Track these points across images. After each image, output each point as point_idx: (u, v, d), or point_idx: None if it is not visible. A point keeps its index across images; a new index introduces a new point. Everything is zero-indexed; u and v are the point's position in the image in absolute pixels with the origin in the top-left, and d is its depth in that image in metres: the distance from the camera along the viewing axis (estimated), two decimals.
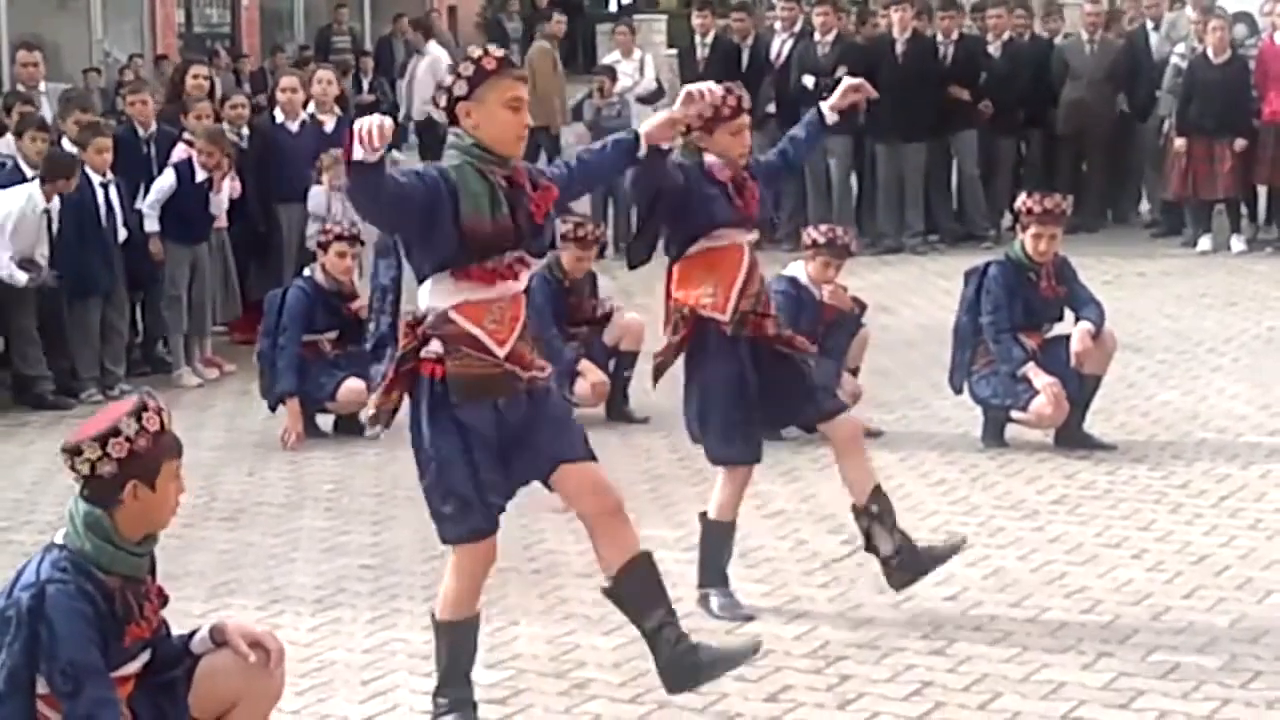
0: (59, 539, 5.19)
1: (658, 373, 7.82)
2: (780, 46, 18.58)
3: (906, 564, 7.59)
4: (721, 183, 7.46)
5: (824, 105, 7.79)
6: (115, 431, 5.10)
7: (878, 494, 7.63)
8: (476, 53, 6.23)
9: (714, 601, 7.62)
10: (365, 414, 10.74)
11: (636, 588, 6.30)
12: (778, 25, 19.01)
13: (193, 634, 5.43)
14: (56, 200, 12.50)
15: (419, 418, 6.17)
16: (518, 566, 8.26)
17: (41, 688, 5.07)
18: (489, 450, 6.12)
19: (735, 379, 7.48)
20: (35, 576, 5.08)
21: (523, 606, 7.74)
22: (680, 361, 7.60)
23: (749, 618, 7.51)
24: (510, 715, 6.59)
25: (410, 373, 6.17)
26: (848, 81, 7.93)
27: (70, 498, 5.24)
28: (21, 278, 12.38)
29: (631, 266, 7.69)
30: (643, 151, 6.42)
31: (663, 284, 7.62)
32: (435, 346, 6.08)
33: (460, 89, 6.10)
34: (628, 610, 6.37)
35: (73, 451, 5.12)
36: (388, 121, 5.66)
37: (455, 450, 6.09)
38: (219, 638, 5.38)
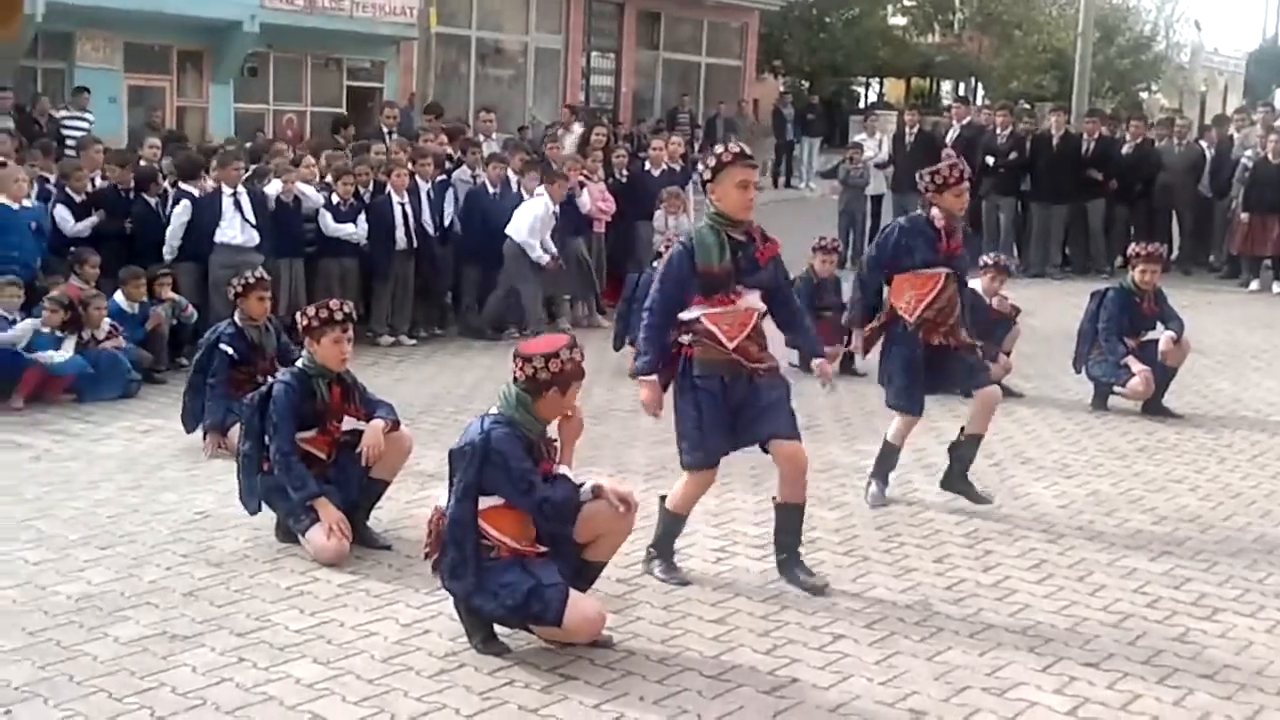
0: (492, 410, 5.39)
1: (866, 346, 7.65)
2: (955, 134, 18.37)
3: (951, 480, 7.60)
4: (937, 229, 7.30)
5: None
6: (556, 355, 5.32)
7: (974, 438, 7.53)
8: (720, 148, 6.20)
9: (873, 488, 7.61)
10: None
11: (788, 518, 6.27)
12: (953, 120, 18.83)
13: (581, 485, 5.49)
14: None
15: (676, 387, 6.14)
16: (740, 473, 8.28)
17: (485, 504, 5.27)
18: (715, 411, 6.04)
19: (910, 358, 7.37)
20: (480, 429, 5.31)
21: (740, 496, 7.77)
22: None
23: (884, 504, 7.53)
24: (766, 557, 6.58)
25: (675, 354, 6.10)
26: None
27: (505, 385, 5.42)
28: (546, 258, 12.67)
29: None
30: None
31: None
32: (687, 338, 6.06)
33: (707, 174, 6.09)
34: (777, 523, 6.32)
35: (526, 359, 5.32)
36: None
37: (692, 407, 6.06)
38: (598, 492, 5.46)
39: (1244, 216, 16.96)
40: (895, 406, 7.54)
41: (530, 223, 12.57)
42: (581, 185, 13.72)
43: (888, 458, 7.64)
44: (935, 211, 7.32)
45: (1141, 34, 42.73)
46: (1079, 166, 17.76)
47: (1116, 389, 9.98)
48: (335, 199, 12.22)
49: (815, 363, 6.43)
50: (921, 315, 7.29)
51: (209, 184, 11.64)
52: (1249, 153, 17.35)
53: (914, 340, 7.33)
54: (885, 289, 7.50)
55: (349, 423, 6.87)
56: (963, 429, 7.62)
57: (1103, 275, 16.59)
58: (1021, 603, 6.03)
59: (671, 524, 6.37)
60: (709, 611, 5.84)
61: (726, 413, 6.07)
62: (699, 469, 6.16)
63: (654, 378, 6.11)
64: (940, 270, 7.30)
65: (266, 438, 6.62)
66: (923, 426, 9.40)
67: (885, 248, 7.43)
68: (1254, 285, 17.03)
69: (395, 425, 6.80)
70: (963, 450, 7.58)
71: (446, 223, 12.97)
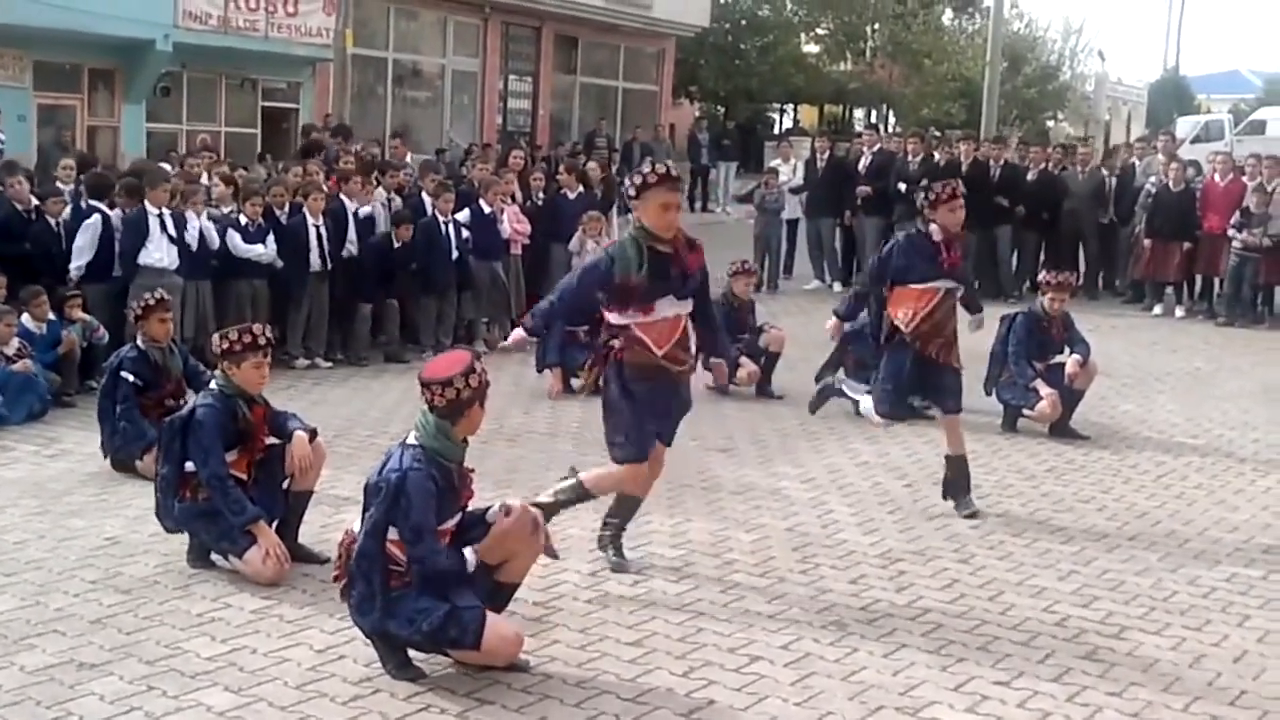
0: (411, 440, 5.29)
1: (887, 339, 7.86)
2: (867, 161, 18.51)
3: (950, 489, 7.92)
4: (936, 244, 7.67)
5: None
6: (472, 370, 5.26)
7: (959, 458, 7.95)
8: (646, 168, 6.30)
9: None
10: (576, 383, 10.89)
11: (621, 505, 6.73)
12: (864, 148, 19.00)
13: (487, 509, 5.50)
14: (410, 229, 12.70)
15: (608, 384, 6.41)
16: (691, 484, 8.30)
17: (394, 535, 5.20)
18: (646, 409, 6.35)
19: (902, 367, 7.79)
20: (399, 464, 5.20)
21: (695, 510, 7.79)
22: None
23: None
24: (683, 579, 6.59)
25: (605, 356, 6.39)
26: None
27: (419, 414, 5.34)
28: None
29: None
30: None
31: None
32: (618, 342, 6.32)
33: (632, 192, 6.26)
34: (614, 504, 6.78)
35: (445, 383, 5.23)
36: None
37: (626, 407, 6.35)
38: (508, 511, 5.45)
39: (1147, 243, 17.26)
40: (884, 414, 7.99)
41: None
42: (502, 210, 13.69)
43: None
44: (934, 227, 7.70)
45: (1048, 64, 43.56)
46: (988, 193, 17.99)
47: (1025, 411, 10.08)
48: (243, 220, 12.03)
49: (713, 361, 6.83)
50: (918, 328, 7.65)
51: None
52: (1151, 180, 17.67)
53: (908, 351, 7.70)
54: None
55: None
56: (946, 456, 7.98)
57: (1011, 299, 16.81)
58: (934, 622, 6.06)
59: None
60: (626, 633, 5.81)
61: (651, 410, 6.38)
62: (634, 462, 6.43)
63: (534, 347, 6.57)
64: (940, 284, 7.70)
65: (189, 463, 6.49)
66: (840, 448, 9.51)
67: (886, 263, 7.75)
68: (1157, 310, 17.30)
69: (313, 435, 6.76)
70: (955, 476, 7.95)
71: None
